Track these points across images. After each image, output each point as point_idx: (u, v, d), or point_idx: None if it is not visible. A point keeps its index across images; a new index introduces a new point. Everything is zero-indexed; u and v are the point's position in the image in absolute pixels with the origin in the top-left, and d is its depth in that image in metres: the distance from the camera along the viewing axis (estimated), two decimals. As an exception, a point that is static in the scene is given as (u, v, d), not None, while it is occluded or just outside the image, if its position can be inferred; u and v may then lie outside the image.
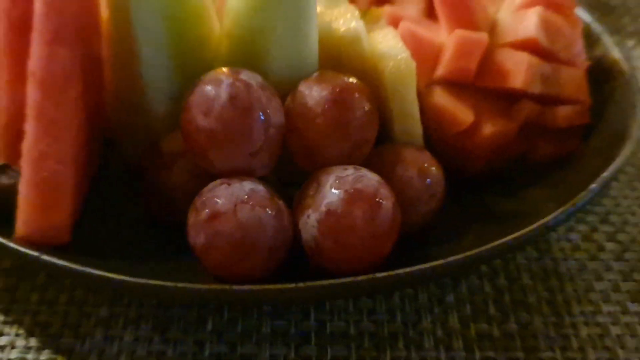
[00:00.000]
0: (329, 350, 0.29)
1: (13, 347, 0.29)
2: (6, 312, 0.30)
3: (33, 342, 0.29)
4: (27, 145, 0.28)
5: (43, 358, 0.28)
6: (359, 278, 0.26)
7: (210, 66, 0.30)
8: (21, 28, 0.30)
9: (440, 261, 0.27)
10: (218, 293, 0.26)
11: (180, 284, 0.26)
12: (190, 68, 0.30)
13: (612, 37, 0.46)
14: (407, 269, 0.26)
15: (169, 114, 0.31)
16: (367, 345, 0.29)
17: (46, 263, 0.26)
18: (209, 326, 0.29)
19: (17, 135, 0.31)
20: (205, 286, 0.26)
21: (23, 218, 0.27)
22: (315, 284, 0.26)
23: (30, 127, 0.28)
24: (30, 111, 0.28)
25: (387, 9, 0.35)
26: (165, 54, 0.29)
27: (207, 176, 0.28)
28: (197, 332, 0.29)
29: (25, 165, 0.27)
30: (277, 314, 0.30)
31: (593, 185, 0.30)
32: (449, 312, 0.30)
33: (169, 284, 0.26)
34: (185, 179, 0.29)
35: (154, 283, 0.26)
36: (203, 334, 0.29)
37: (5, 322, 0.29)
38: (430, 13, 0.36)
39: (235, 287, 0.26)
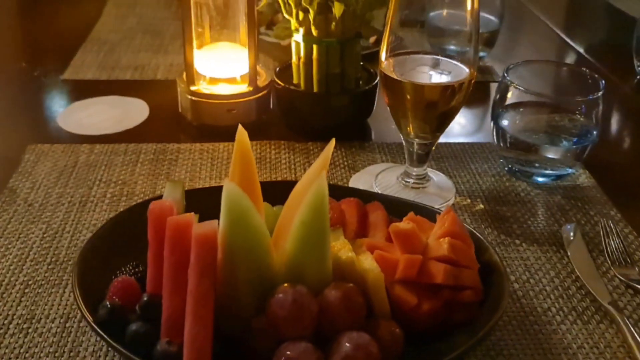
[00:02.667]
0: None
1: None
2: None
3: None
4: (187, 330, 0.51)
5: None
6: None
7: (274, 281, 0.55)
8: (176, 265, 0.54)
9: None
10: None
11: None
12: (264, 282, 0.53)
13: (504, 237, 0.74)
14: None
15: (252, 306, 0.53)
16: None
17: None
18: None
19: (173, 323, 0.55)
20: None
21: (186, 369, 0.51)
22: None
23: (188, 321, 0.51)
24: (188, 311, 0.51)
25: (365, 240, 0.61)
26: (251, 276, 0.54)
27: (279, 340, 0.52)
28: None
29: (186, 341, 0.51)
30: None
31: (480, 334, 0.53)
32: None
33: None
34: (267, 343, 0.52)
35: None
36: None
37: None
38: (389, 239, 0.63)
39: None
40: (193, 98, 0.89)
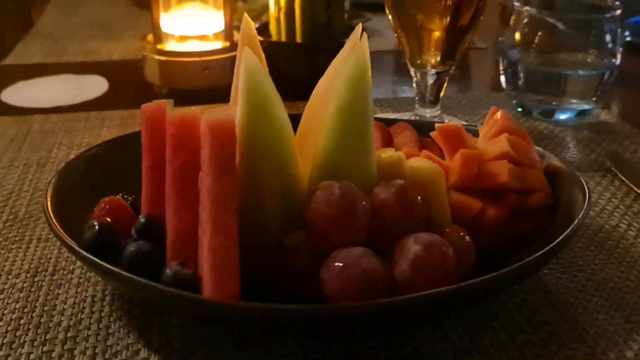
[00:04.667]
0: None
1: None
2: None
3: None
4: (207, 243, 0.39)
5: None
6: (445, 289, 0.38)
7: (302, 189, 0.44)
8: (181, 171, 0.42)
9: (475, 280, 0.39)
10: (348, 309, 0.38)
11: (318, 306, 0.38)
12: (294, 190, 0.42)
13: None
14: (466, 283, 0.38)
15: (277, 218, 0.42)
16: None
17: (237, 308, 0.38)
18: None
19: (181, 246, 0.43)
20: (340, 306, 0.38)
21: (209, 288, 0.38)
22: (414, 295, 0.38)
23: (207, 229, 0.39)
24: (206, 219, 0.39)
25: (403, 150, 0.51)
26: (276, 182, 0.42)
27: (321, 256, 0.41)
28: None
29: (208, 255, 0.39)
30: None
31: (555, 242, 0.42)
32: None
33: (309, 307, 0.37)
34: (306, 260, 0.40)
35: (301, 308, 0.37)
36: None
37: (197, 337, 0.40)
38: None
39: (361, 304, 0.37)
40: (161, 58, 0.78)
